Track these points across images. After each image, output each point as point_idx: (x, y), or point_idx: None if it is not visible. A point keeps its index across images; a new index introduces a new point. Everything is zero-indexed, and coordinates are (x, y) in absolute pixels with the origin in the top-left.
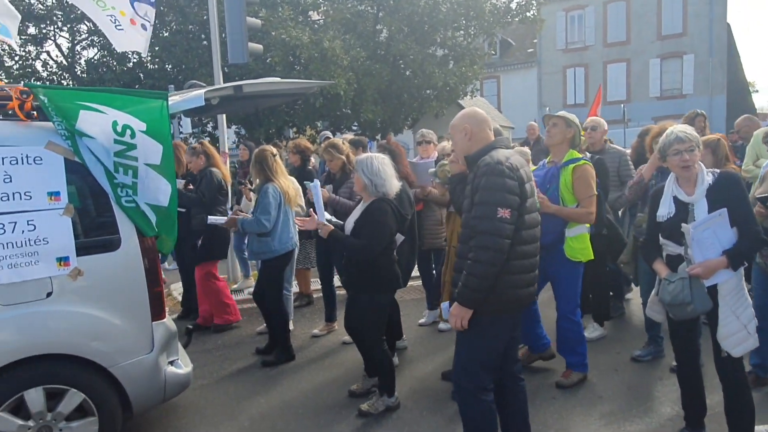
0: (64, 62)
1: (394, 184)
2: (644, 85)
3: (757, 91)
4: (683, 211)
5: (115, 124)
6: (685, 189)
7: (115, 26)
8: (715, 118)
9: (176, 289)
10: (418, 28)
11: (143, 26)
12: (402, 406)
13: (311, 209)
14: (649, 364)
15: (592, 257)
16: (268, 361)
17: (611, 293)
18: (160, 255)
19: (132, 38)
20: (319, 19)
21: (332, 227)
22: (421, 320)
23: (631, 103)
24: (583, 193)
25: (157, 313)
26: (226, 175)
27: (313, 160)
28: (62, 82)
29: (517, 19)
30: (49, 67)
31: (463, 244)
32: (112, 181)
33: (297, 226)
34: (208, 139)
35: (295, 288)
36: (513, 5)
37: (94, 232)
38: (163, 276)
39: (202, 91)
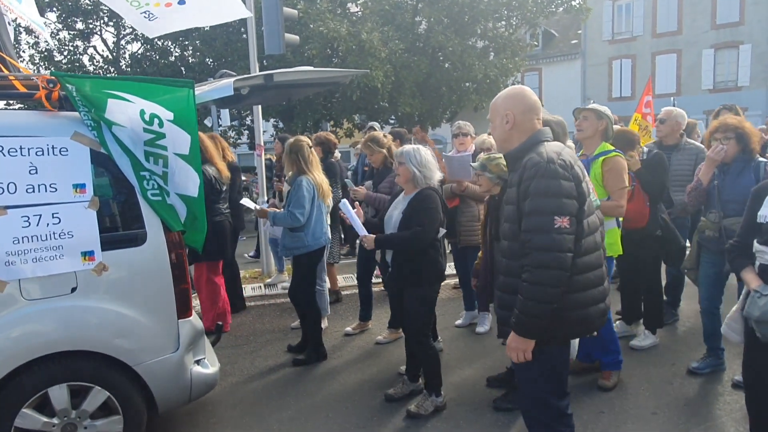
0: (110, 56)
1: (438, 176)
2: (696, 77)
3: None
4: None
5: (142, 112)
6: None
7: (149, 19)
8: None
9: None
10: (458, 19)
11: (180, 2)
12: (437, 415)
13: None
14: (708, 377)
15: (621, 252)
16: (299, 360)
17: (666, 298)
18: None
19: (169, 19)
20: (357, 11)
21: (373, 236)
22: (458, 321)
23: (682, 97)
24: (613, 185)
25: (184, 310)
26: (222, 170)
27: (337, 153)
28: (108, 75)
29: (561, 9)
30: (95, 61)
31: (510, 259)
32: (138, 173)
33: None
34: (247, 132)
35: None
36: None
37: (119, 226)
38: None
39: (231, 80)
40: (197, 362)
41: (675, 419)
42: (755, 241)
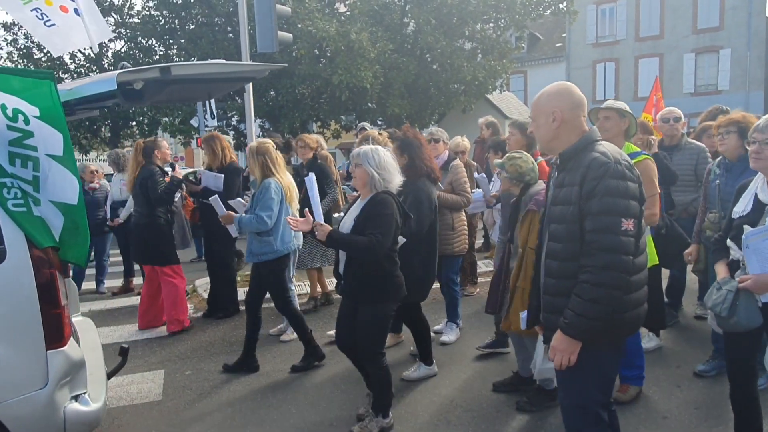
0: (92, 54)
1: (398, 180)
2: (677, 80)
3: None
4: (759, 211)
5: (3, 107)
6: None
7: (44, 23)
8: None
9: (201, 286)
10: (447, 21)
11: (77, 11)
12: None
13: (306, 209)
14: (715, 380)
15: (657, 262)
16: (298, 367)
17: (667, 300)
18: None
19: (70, 33)
20: (345, 11)
21: (329, 227)
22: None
23: (664, 100)
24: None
25: (55, 339)
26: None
27: (327, 153)
28: (90, 74)
29: (548, 12)
30: (77, 59)
31: (564, 261)
32: None
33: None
34: (232, 132)
35: (307, 288)
36: None
37: None
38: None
39: (116, 72)
40: (75, 398)
41: (686, 423)
42: (728, 237)
